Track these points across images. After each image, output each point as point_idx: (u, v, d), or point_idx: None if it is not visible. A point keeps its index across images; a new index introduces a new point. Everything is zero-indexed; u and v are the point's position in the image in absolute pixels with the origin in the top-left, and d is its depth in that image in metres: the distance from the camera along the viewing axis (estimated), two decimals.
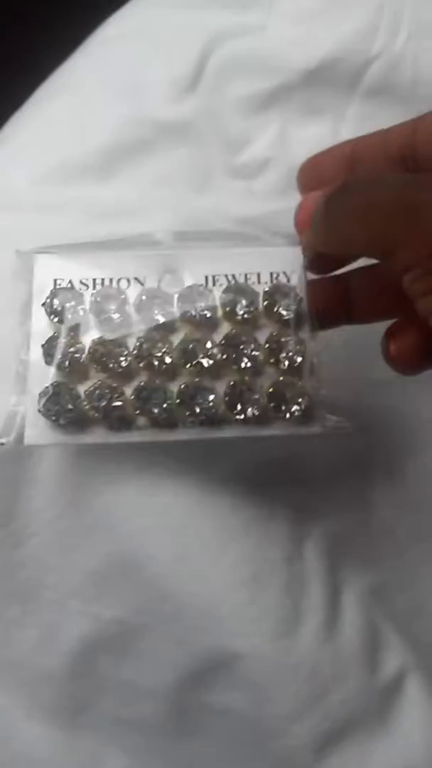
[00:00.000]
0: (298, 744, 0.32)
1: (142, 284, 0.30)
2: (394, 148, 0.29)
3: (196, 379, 0.29)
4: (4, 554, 0.34)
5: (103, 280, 0.30)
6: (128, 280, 0.31)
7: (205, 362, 0.29)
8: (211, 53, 0.47)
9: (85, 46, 0.50)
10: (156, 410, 0.29)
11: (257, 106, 0.46)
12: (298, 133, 0.46)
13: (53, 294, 0.30)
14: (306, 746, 0.32)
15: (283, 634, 0.32)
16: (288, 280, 0.31)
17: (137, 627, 0.34)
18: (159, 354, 0.29)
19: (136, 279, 0.31)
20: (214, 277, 0.31)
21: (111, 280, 0.30)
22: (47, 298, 0.30)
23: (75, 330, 0.30)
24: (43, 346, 0.29)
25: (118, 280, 0.31)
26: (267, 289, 0.31)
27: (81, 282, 0.30)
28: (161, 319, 0.30)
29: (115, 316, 0.30)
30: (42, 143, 0.44)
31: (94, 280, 0.30)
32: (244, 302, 0.30)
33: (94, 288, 0.30)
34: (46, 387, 0.28)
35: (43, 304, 0.30)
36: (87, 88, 0.46)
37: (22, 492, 0.34)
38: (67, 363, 0.29)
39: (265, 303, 0.30)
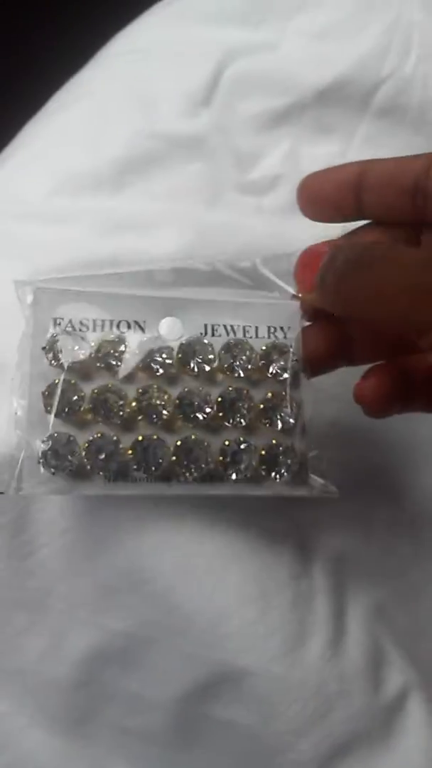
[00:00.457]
0: (301, 760, 0.32)
1: (142, 329, 0.30)
2: (409, 179, 0.29)
3: (192, 436, 0.30)
4: (13, 563, 0.34)
5: (103, 322, 0.30)
6: (129, 324, 0.30)
7: (201, 416, 0.30)
8: (224, 69, 0.47)
9: (99, 57, 0.50)
10: (153, 467, 0.29)
11: (269, 123, 0.47)
12: (309, 151, 0.47)
13: (53, 339, 0.29)
14: (310, 762, 0.32)
15: (289, 652, 0.32)
16: (285, 336, 0.32)
17: (144, 640, 0.34)
18: (158, 406, 0.30)
19: (136, 323, 0.30)
20: (213, 327, 0.31)
21: (111, 323, 0.30)
22: (48, 342, 0.29)
23: (74, 376, 0.29)
24: (43, 393, 0.29)
25: (119, 323, 0.30)
26: (264, 347, 0.31)
27: (81, 323, 0.30)
28: (160, 371, 0.30)
29: (116, 363, 0.30)
30: (54, 154, 0.44)
31: (94, 321, 0.30)
32: (243, 358, 0.31)
33: (94, 329, 0.30)
34: (46, 439, 0.28)
35: (44, 348, 0.29)
36: (101, 100, 0.46)
37: (34, 503, 0.34)
38: (66, 410, 0.29)
39: (262, 362, 0.31)
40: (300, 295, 0.30)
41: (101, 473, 0.29)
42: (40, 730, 0.36)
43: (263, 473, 0.30)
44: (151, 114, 0.45)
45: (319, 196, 0.31)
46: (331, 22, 0.49)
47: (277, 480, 0.30)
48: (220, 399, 0.30)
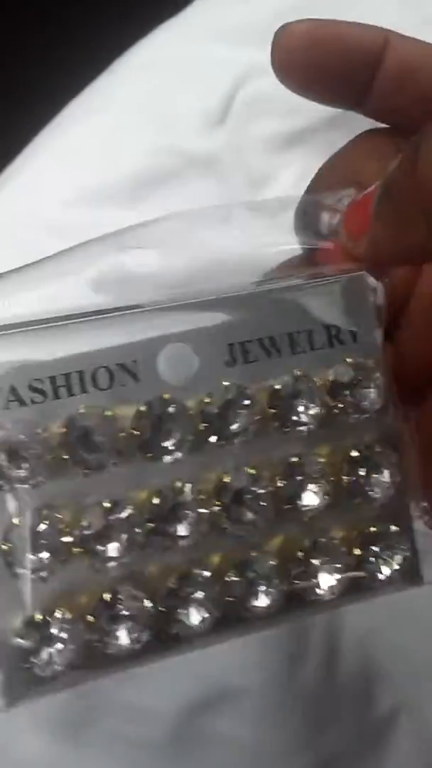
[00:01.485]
0: None
1: (133, 375, 0.19)
2: None
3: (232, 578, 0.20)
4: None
5: (68, 377, 0.18)
6: (110, 372, 0.19)
7: (251, 516, 0.19)
8: (239, 88, 0.48)
9: (115, 68, 0.50)
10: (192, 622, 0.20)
11: (281, 144, 0.47)
12: None
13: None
14: None
15: (285, 670, 0.33)
16: (355, 339, 0.21)
17: None
18: (175, 530, 0.19)
19: (121, 366, 0.19)
20: (243, 345, 0.20)
21: (81, 376, 0.18)
22: None
23: (46, 497, 0.18)
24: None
25: (94, 374, 0.19)
26: (333, 377, 0.20)
27: (31, 387, 0.18)
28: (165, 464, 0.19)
29: (96, 459, 0.18)
30: (69, 167, 0.45)
31: (53, 378, 0.18)
32: (304, 405, 0.20)
33: (55, 395, 0.18)
34: (22, 625, 0.18)
35: None
36: (116, 113, 0.47)
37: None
38: (48, 560, 0.18)
39: (329, 404, 0.20)
40: (348, 244, 0.21)
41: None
42: (35, 737, 0.36)
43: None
44: (169, 129, 0.45)
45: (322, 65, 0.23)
46: None
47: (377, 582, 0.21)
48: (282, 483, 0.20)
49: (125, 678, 0.35)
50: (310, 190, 0.25)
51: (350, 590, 0.20)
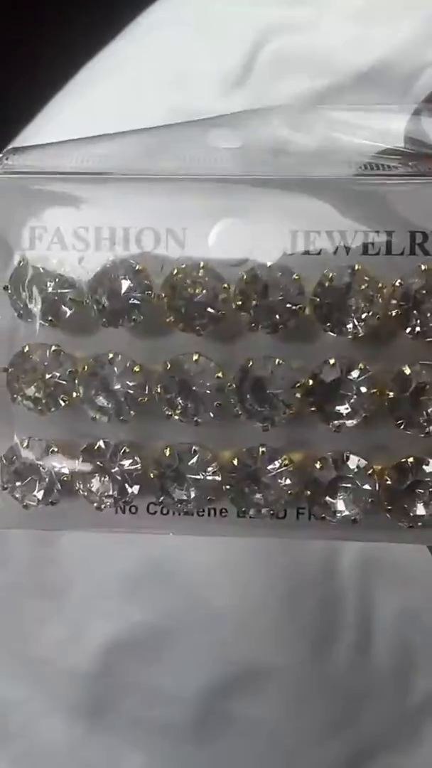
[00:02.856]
0: (327, 761, 0.32)
1: (180, 242, 0.18)
2: None
3: (260, 450, 0.18)
4: (35, 551, 0.34)
5: (113, 231, 0.18)
6: (156, 234, 0.18)
7: (279, 409, 0.18)
8: (261, 48, 0.46)
9: (132, 28, 0.48)
10: (191, 492, 0.19)
11: (306, 105, 0.45)
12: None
13: (24, 269, 0.18)
14: (336, 763, 0.32)
15: (317, 652, 0.32)
16: None
17: (166, 632, 0.34)
18: (199, 387, 0.18)
19: (169, 232, 0.18)
20: (309, 236, 0.18)
21: (127, 233, 0.18)
22: (14, 276, 0.18)
23: (58, 334, 0.19)
24: (5, 369, 0.19)
25: (139, 234, 0.18)
26: (400, 281, 0.18)
27: (76, 234, 0.18)
28: (207, 324, 0.18)
29: (129, 307, 0.18)
30: (84, 131, 0.43)
31: (98, 230, 0.18)
32: (363, 303, 0.17)
33: (96, 247, 0.18)
34: (7, 453, 0.19)
35: (6, 287, 0.19)
36: (133, 74, 0.45)
37: None
38: (43, 395, 0.18)
39: (396, 309, 0.18)
40: None
41: (102, 503, 0.19)
42: (57, 719, 0.35)
43: (387, 514, 0.18)
44: (187, 91, 0.44)
45: None
46: (372, 4, 0.47)
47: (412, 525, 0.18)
48: (312, 380, 0.18)
49: (144, 658, 0.34)
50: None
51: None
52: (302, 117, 0.22)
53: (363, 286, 0.17)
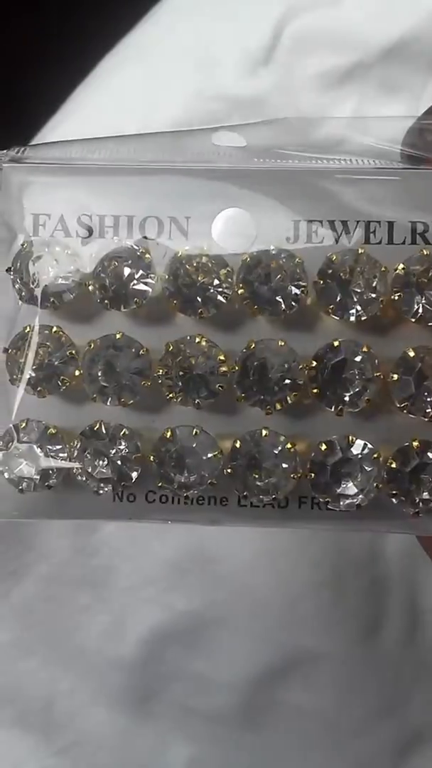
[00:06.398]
0: (378, 747, 0.31)
1: (183, 231, 0.19)
2: None
3: (262, 432, 0.18)
4: (78, 541, 0.34)
5: (116, 219, 0.19)
6: (159, 222, 0.19)
7: (283, 395, 0.18)
8: (285, 26, 0.45)
9: (154, 13, 0.48)
10: (193, 479, 0.18)
11: (333, 82, 0.45)
12: (375, 111, 0.45)
13: (26, 252, 0.18)
14: (387, 749, 0.31)
15: (365, 636, 0.31)
16: None
17: (211, 620, 0.33)
18: (201, 372, 0.18)
19: (173, 220, 0.19)
20: (311, 225, 0.18)
21: (130, 221, 0.19)
22: (16, 258, 0.19)
23: (61, 317, 0.19)
24: (5, 350, 0.19)
25: (143, 222, 0.19)
26: (403, 266, 0.18)
27: (79, 220, 0.19)
28: (209, 309, 0.18)
29: (131, 293, 0.18)
30: (110, 118, 0.43)
31: (102, 217, 0.19)
32: (359, 285, 0.18)
33: (100, 234, 0.19)
34: (3, 434, 0.19)
35: (9, 269, 0.19)
36: (156, 59, 0.45)
37: None
38: (44, 378, 0.18)
39: (396, 293, 0.18)
40: None
41: (101, 488, 0.19)
42: (103, 708, 0.35)
43: (393, 499, 0.18)
44: (211, 73, 0.43)
45: None
46: None
47: (418, 511, 0.18)
48: (316, 362, 0.18)
49: (190, 646, 0.34)
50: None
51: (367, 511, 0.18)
52: (306, 125, 0.24)
53: (366, 268, 0.18)
